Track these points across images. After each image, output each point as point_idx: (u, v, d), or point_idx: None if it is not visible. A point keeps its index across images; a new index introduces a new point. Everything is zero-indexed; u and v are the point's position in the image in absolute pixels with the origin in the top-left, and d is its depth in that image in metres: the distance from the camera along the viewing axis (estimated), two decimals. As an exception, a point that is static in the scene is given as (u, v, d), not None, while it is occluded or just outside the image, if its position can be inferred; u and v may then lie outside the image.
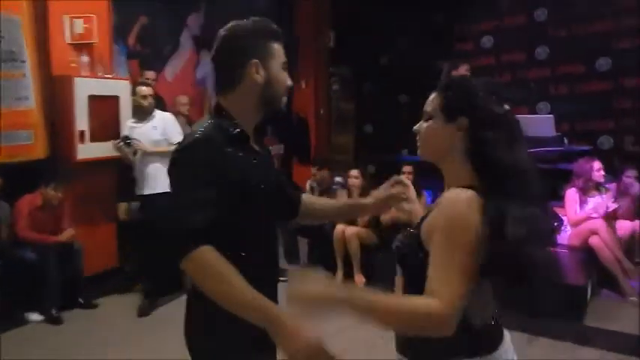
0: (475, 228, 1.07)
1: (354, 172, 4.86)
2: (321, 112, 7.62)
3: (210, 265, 1.18)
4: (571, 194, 4.67)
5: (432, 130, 1.24)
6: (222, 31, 1.39)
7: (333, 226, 4.77)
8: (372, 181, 4.87)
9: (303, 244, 5.22)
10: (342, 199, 4.67)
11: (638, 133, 5.33)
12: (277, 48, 1.39)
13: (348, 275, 4.70)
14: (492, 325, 1.24)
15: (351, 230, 4.68)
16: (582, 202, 4.62)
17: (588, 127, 6.23)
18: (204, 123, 1.37)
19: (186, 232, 1.20)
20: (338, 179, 5.17)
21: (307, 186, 5.21)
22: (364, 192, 4.51)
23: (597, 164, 4.56)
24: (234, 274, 1.18)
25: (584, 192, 4.62)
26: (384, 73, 7.52)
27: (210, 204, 1.22)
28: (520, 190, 1.11)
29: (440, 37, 6.98)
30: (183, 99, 5.42)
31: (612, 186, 4.77)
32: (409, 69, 6.94)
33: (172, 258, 1.21)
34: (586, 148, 5.58)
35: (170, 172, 1.31)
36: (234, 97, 1.38)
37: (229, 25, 1.39)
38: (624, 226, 4.64)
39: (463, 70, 5.44)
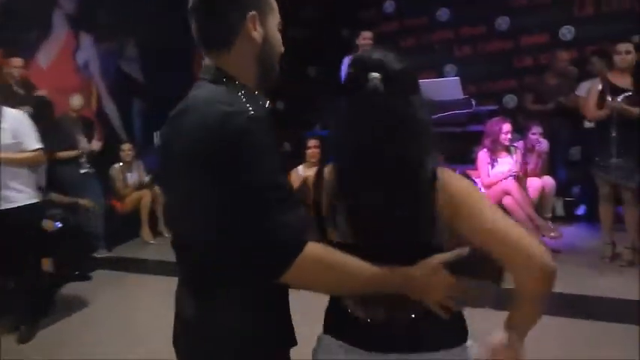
0: None
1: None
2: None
3: (324, 260, 1.05)
4: (482, 156, 4.65)
5: None
6: None
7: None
8: (289, 160, 4.53)
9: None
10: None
11: (538, 91, 5.39)
12: (275, 4, 1.20)
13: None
14: None
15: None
16: (493, 163, 4.61)
17: (493, 87, 6.26)
18: (220, 90, 1.09)
19: (294, 232, 1.01)
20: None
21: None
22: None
23: (506, 126, 4.53)
24: (344, 258, 1.06)
25: (493, 153, 4.60)
26: (290, 46, 7.13)
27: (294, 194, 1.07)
28: None
29: (343, 5, 6.72)
30: (77, 100, 4.89)
31: (520, 144, 4.77)
32: (315, 40, 6.64)
33: (270, 272, 1.03)
34: (493, 107, 5.59)
35: (233, 162, 1.00)
36: (229, 59, 1.14)
37: None
38: (533, 184, 4.68)
39: (367, 38, 5.24)
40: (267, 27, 1.17)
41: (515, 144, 4.73)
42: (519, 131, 4.94)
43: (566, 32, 5.91)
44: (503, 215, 1.10)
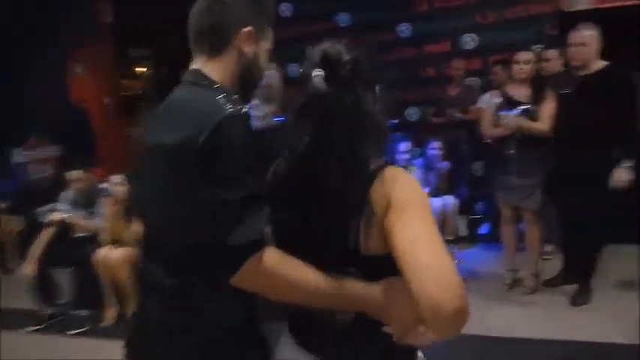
0: None
1: (116, 178, 3.80)
2: (106, 101, 6.36)
3: (274, 269, 1.02)
4: None
5: None
6: None
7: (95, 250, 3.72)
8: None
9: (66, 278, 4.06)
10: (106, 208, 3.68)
11: (440, 103, 5.08)
12: (270, 33, 1.24)
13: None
14: None
15: (117, 254, 3.66)
16: None
17: (397, 98, 5.89)
18: (201, 91, 1.12)
19: (250, 235, 0.99)
20: (104, 185, 4.06)
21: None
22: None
23: (403, 145, 4.13)
24: (299, 271, 1.04)
25: None
26: (175, 50, 6.46)
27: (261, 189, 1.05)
28: None
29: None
30: None
31: (419, 162, 4.39)
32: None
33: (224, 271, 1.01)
34: (392, 121, 5.19)
35: (212, 154, 1.01)
36: (217, 65, 1.17)
37: None
38: (434, 205, 4.29)
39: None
40: (260, 47, 1.20)
41: (414, 162, 4.36)
42: (421, 146, 4.58)
43: (469, 40, 5.64)
44: (431, 234, 0.98)
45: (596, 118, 3.20)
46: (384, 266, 1.02)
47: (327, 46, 1.12)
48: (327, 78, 1.07)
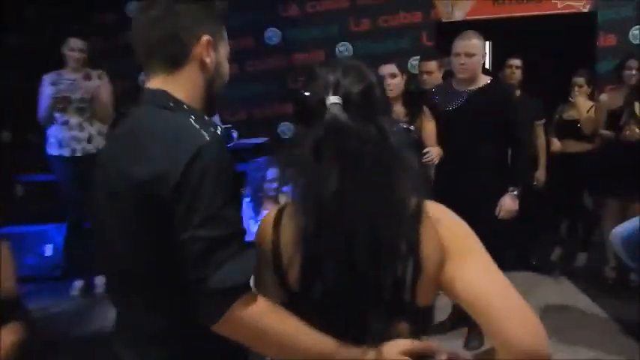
0: None
1: None
2: None
3: (257, 322, 0.94)
4: (244, 208, 3.51)
5: None
6: None
7: None
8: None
9: None
10: None
11: None
12: (225, 35, 1.17)
13: None
14: None
15: None
16: (258, 218, 3.51)
17: (265, 113, 5.21)
18: (169, 115, 1.04)
19: (230, 280, 0.92)
20: None
21: None
22: None
23: (271, 172, 3.50)
24: (284, 325, 0.96)
25: (257, 204, 3.53)
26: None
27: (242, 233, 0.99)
28: None
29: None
30: None
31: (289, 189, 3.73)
32: (44, 50, 4.82)
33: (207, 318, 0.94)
34: (262, 140, 4.50)
35: (188, 185, 0.94)
36: (178, 81, 1.09)
37: None
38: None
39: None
40: (220, 55, 1.14)
41: (285, 189, 3.69)
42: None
43: (343, 50, 5.12)
44: (501, 278, 0.95)
45: (482, 141, 2.82)
46: (429, 318, 1.02)
47: (339, 67, 0.98)
48: (344, 107, 0.93)
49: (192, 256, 0.92)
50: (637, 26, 4.49)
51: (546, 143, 4.11)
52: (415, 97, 3.26)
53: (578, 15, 4.62)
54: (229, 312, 0.90)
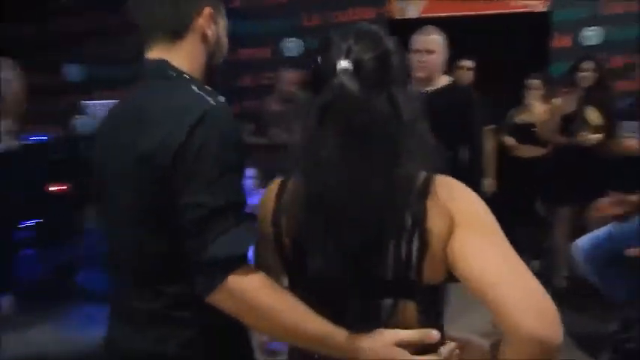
0: None
1: None
2: None
3: (250, 297, 0.92)
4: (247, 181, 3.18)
5: None
6: None
7: None
8: None
9: None
10: None
11: (259, 119, 4.24)
12: (223, 8, 1.18)
13: None
14: None
15: None
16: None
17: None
18: (173, 85, 1.05)
19: (227, 252, 0.91)
20: None
21: None
22: None
23: None
24: (278, 302, 0.94)
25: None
26: None
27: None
28: None
29: None
30: None
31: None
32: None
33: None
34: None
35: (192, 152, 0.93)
36: (179, 52, 1.09)
37: None
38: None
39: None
40: (219, 27, 1.15)
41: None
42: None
43: (292, 46, 4.84)
44: (515, 258, 0.88)
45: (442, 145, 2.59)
46: (438, 298, 0.99)
47: (352, 32, 0.93)
48: (355, 74, 0.88)
49: (190, 225, 0.92)
50: (591, 27, 4.46)
51: (497, 148, 3.98)
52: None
53: (534, 15, 4.55)
54: (223, 283, 0.90)
